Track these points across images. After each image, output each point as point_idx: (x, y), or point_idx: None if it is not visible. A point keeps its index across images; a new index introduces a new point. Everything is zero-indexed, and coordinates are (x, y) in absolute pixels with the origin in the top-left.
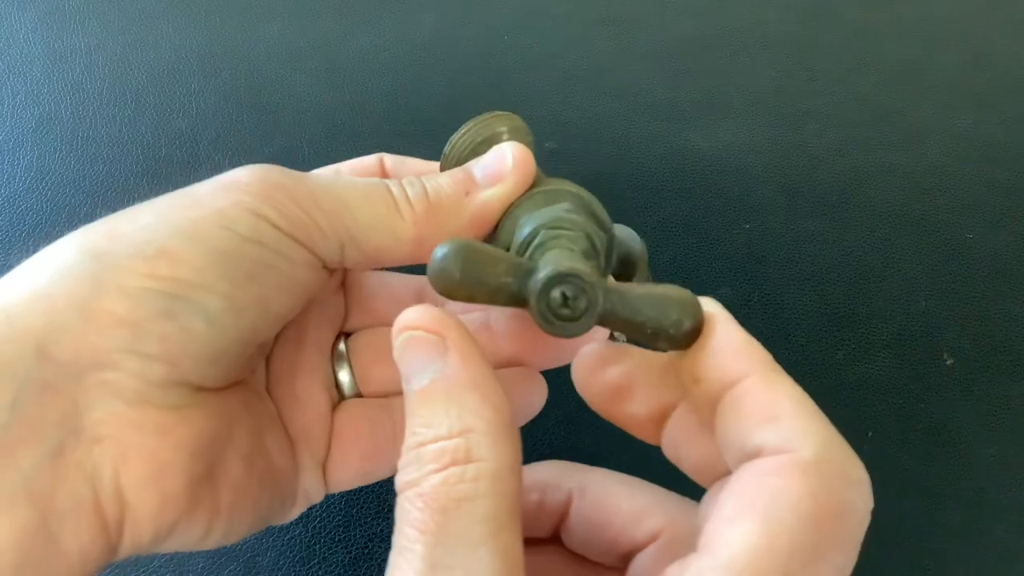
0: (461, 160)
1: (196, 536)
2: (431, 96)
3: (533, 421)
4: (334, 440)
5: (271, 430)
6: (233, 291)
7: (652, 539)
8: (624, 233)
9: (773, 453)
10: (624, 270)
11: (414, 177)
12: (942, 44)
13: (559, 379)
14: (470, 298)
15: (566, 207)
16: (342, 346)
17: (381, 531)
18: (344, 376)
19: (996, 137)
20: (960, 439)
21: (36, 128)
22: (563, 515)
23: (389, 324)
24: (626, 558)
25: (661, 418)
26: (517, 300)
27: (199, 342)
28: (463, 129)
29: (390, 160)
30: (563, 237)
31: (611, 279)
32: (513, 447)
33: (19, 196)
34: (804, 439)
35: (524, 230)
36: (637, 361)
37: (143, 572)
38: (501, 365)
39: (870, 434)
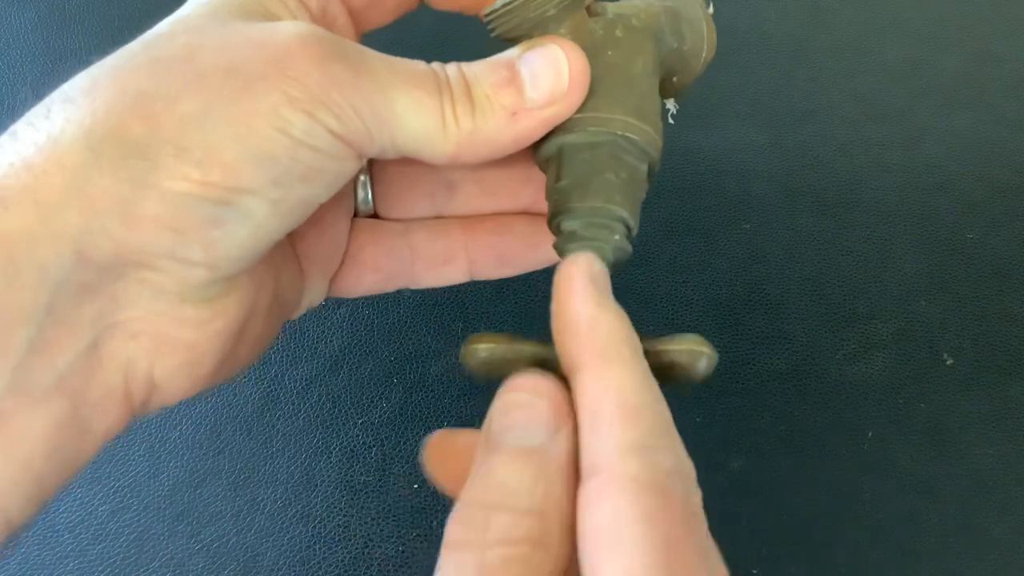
0: (507, 38)
1: (210, 389)
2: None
3: None
4: (348, 261)
5: (285, 270)
6: (281, 195)
7: None
8: (672, 16)
9: (588, 471)
10: (684, 65)
11: (460, 78)
12: (942, 44)
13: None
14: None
15: (606, 171)
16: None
17: (381, 531)
18: (362, 192)
19: (996, 137)
20: (960, 439)
21: None
22: None
23: None
24: None
25: None
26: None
27: (243, 246)
28: (510, 1)
29: None
30: (595, 249)
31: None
32: (574, 544)
33: None
34: (611, 453)
35: (563, 202)
36: None
37: (143, 572)
38: (535, 214)
39: (870, 434)
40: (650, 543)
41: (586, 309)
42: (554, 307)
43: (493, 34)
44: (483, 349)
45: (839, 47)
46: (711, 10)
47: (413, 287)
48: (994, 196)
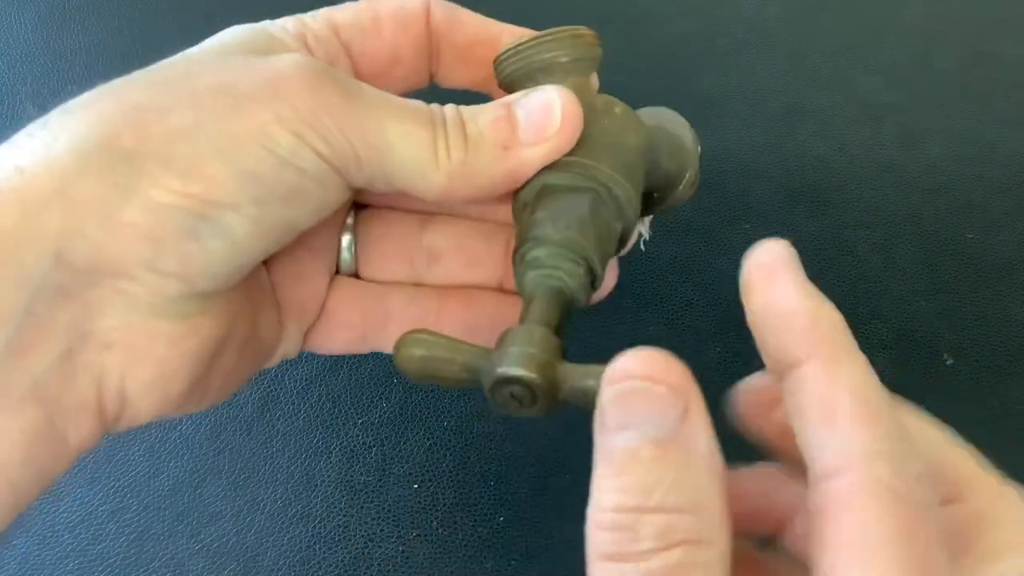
0: (513, 80)
1: (180, 414)
2: (429, 96)
3: (532, 427)
4: (324, 316)
5: (264, 309)
6: (262, 214)
7: None
8: (667, 136)
9: (828, 471)
10: (667, 184)
11: (457, 115)
12: (942, 44)
13: None
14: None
15: (583, 212)
16: (350, 219)
17: (381, 531)
18: (346, 251)
19: (996, 137)
20: (960, 439)
21: None
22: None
23: (398, 207)
24: None
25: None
26: (475, 383)
27: (219, 261)
28: (525, 42)
29: (440, 10)
30: (555, 279)
31: (569, 365)
32: (731, 527)
33: None
34: (856, 451)
35: (533, 230)
36: None
37: (143, 572)
38: (507, 291)
39: None
40: (908, 561)
41: (803, 300)
42: (756, 297)
43: (502, 75)
44: (419, 343)
45: (839, 47)
46: (700, 150)
47: (385, 351)
48: (994, 196)
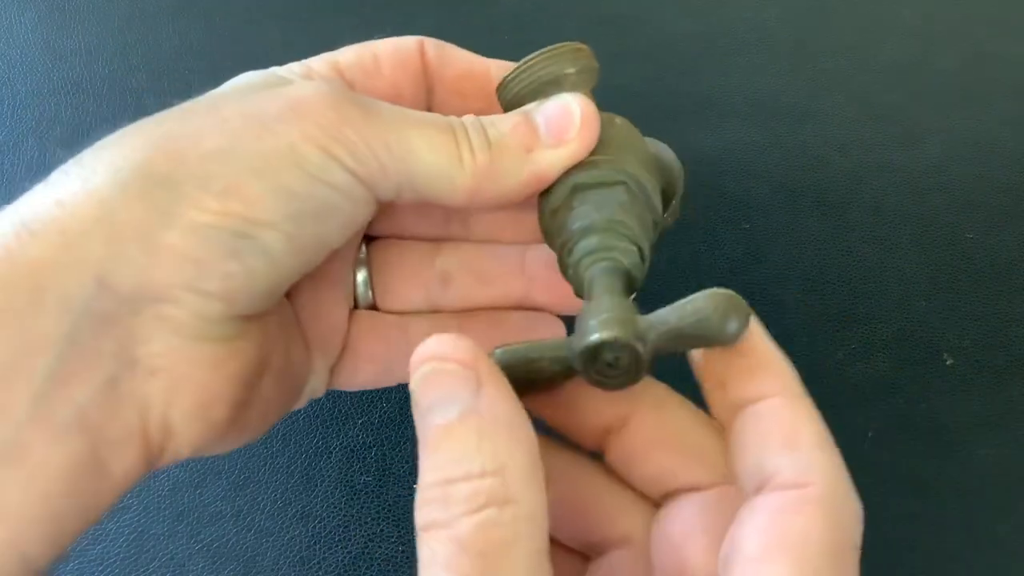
0: (521, 97)
1: (220, 449)
2: None
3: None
4: (348, 351)
5: (294, 341)
6: (296, 231)
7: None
8: (654, 154)
9: (788, 484)
10: (663, 199)
11: (477, 121)
12: (942, 44)
13: None
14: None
15: (622, 200)
16: (363, 252)
17: (381, 531)
18: (361, 284)
19: (996, 137)
20: (960, 439)
21: (36, 128)
22: None
23: (411, 235)
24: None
25: (608, 431)
26: (570, 373)
27: (258, 280)
28: (528, 61)
29: (433, 48)
30: (611, 259)
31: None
32: (542, 485)
33: (19, 196)
34: (819, 472)
35: (576, 223)
36: None
37: (143, 572)
38: (528, 308)
39: (870, 434)
40: (837, 562)
41: (772, 348)
42: (755, 345)
43: (510, 95)
44: (501, 360)
45: (839, 47)
46: (684, 175)
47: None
48: (994, 196)
